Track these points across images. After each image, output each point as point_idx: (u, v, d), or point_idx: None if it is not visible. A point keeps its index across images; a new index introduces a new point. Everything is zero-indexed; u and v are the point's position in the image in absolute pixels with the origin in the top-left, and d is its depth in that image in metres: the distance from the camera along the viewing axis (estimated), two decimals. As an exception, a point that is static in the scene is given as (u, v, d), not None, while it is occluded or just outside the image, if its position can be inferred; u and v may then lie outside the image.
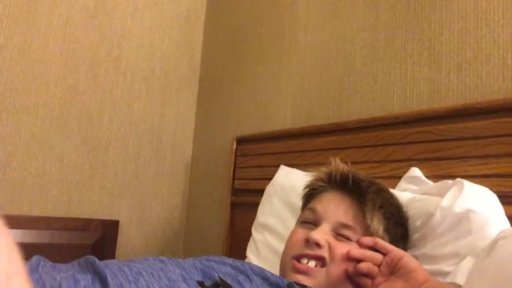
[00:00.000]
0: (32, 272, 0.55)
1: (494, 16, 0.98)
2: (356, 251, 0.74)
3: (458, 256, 0.77)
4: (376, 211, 0.78)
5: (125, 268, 0.59)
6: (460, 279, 0.72)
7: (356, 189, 0.80)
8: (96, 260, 0.60)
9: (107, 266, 0.58)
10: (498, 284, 0.65)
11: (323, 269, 0.75)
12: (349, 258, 0.74)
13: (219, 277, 0.64)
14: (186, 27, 1.96)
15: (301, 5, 1.51)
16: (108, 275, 0.55)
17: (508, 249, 0.67)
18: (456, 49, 1.04)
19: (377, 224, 0.78)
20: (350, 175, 0.82)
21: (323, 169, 0.87)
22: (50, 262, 0.61)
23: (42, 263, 0.59)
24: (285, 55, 1.54)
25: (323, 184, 0.85)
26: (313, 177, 0.88)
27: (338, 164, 0.85)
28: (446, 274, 0.76)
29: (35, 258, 0.59)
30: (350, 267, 0.74)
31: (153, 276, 0.59)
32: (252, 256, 1.13)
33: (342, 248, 0.75)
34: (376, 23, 1.24)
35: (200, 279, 0.63)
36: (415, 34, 1.13)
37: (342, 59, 1.32)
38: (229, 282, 0.64)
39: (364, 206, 0.78)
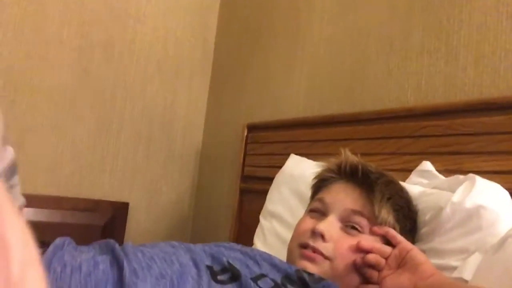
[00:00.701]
0: (56, 251, 0.56)
1: (515, 10, 0.96)
2: (366, 243, 0.74)
3: (466, 252, 0.76)
4: (384, 202, 0.78)
5: (139, 254, 0.59)
6: (467, 275, 0.71)
7: (365, 181, 0.80)
8: (117, 245, 0.62)
9: (124, 251, 0.59)
10: (506, 281, 0.65)
11: (327, 261, 0.75)
12: (358, 249, 0.74)
13: (227, 262, 0.65)
14: (201, 12, 1.95)
15: (317, -7, 1.49)
16: (124, 261, 0.56)
17: (518, 247, 0.67)
18: (475, 44, 1.02)
19: (385, 215, 0.78)
20: (360, 167, 0.82)
21: (333, 159, 0.87)
22: (74, 243, 0.62)
23: (66, 242, 0.61)
24: (300, 44, 1.52)
25: (332, 175, 0.85)
26: (322, 168, 0.88)
27: (348, 155, 0.85)
28: (453, 268, 0.76)
29: (59, 239, 0.60)
30: (358, 258, 0.74)
31: (165, 261, 0.60)
32: (259, 243, 1.14)
33: (347, 241, 0.75)
34: (393, 15, 1.22)
35: (209, 264, 0.64)
36: (433, 26, 1.11)
37: (357, 51, 1.31)
38: (237, 266, 0.64)
39: (373, 197, 0.78)
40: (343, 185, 0.82)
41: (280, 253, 0.97)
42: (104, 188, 1.70)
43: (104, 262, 0.56)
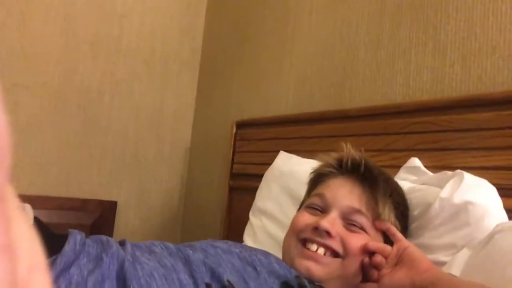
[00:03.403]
0: (65, 265, 0.54)
1: (502, 6, 0.96)
2: (373, 244, 0.74)
3: (454, 247, 0.77)
4: (386, 198, 0.78)
5: (138, 267, 0.57)
6: (456, 270, 0.72)
7: (368, 176, 0.79)
8: (121, 251, 0.59)
9: (128, 264, 0.57)
10: (492, 277, 0.65)
11: (338, 260, 0.74)
12: (366, 250, 0.74)
13: (227, 281, 0.62)
14: (189, 9, 1.93)
15: (305, -10, 1.48)
16: (133, 281, 0.54)
17: (504, 243, 0.68)
18: (462, 39, 1.02)
19: (388, 212, 0.78)
20: (363, 162, 0.80)
21: (334, 154, 0.84)
22: (84, 239, 0.60)
23: (78, 240, 0.59)
24: (289, 40, 1.52)
25: (332, 170, 0.83)
26: (322, 162, 0.86)
27: (350, 150, 0.83)
28: (442, 264, 0.77)
29: (76, 234, 0.59)
30: (365, 258, 0.74)
31: (165, 279, 0.57)
32: (249, 241, 1.13)
33: (356, 240, 0.74)
34: (381, 11, 1.22)
35: (208, 281, 0.61)
36: (421, 22, 1.12)
37: (345, 46, 1.31)
38: (235, 279, 0.63)
39: (376, 193, 0.77)
40: (343, 180, 0.80)
41: (271, 250, 0.96)
42: (92, 187, 1.68)
43: (110, 278, 0.54)
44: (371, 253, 0.74)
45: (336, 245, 0.74)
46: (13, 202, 0.16)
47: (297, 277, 0.67)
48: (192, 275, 0.61)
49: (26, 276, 0.15)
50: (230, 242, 0.74)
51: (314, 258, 0.73)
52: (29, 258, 0.16)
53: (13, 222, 0.15)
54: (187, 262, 0.63)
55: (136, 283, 0.54)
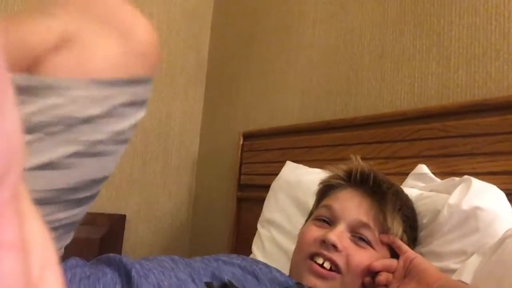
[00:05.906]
0: (67, 266, 0.58)
1: (505, 11, 0.96)
2: (378, 263, 0.73)
3: (464, 254, 0.76)
4: (395, 213, 0.77)
5: (137, 266, 0.59)
6: (466, 277, 0.71)
7: (377, 190, 0.78)
8: (122, 257, 0.62)
9: (127, 261, 0.60)
10: (504, 282, 0.65)
11: (339, 276, 0.73)
12: (370, 270, 0.73)
13: (228, 280, 0.63)
14: (194, 23, 1.96)
15: (309, 0, 1.50)
16: (133, 269, 0.57)
17: (516, 248, 0.67)
18: (465, 45, 1.02)
19: (396, 226, 0.77)
20: (372, 175, 0.79)
21: (342, 166, 0.84)
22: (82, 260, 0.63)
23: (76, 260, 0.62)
24: (293, 50, 1.53)
25: (340, 182, 0.82)
26: (330, 174, 0.85)
27: (359, 162, 0.82)
28: (453, 271, 0.76)
29: (72, 259, 0.62)
30: (367, 278, 0.74)
31: (163, 274, 0.59)
32: (258, 252, 1.13)
33: (361, 257, 0.74)
34: (384, 18, 1.23)
35: (208, 280, 0.62)
36: (424, 29, 1.12)
37: (349, 55, 1.32)
38: (235, 284, 0.63)
39: (385, 208, 0.76)
40: (352, 193, 0.80)
41: (279, 261, 0.96)
42: (101, 201, 1.69)
43: (112, 271, 0.57)
44: (376, 272, 0.73)
45: (340, 260, 0.73)
46: (26, 200, 0.17)
47: (298, 283, 0.67)
48: (191, 276, 0.62)
49: (39, 273, 0.16)
50: (232, 255, 0.74)
51: (321, 274, 0.72)
52: (42, 257, 0.16)
53: (26, 220, 0.16)
54: (187, 266, 0.64)
55: (136, 274, 0.56)
